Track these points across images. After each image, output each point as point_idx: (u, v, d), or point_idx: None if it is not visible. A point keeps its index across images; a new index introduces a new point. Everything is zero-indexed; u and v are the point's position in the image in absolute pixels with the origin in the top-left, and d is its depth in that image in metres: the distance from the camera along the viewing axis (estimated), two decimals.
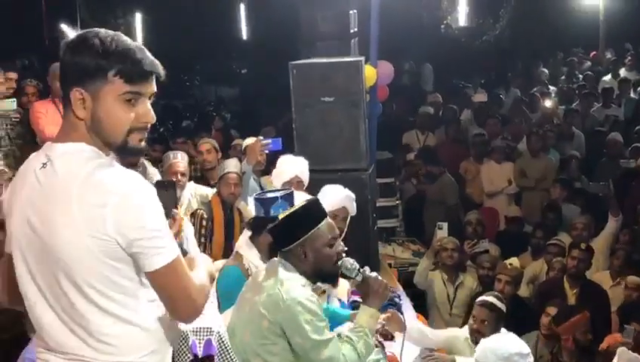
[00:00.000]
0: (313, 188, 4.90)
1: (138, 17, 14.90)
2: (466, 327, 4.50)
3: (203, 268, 2.22)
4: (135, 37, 14.28)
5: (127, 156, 2.11)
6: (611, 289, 6.10)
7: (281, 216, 3.19)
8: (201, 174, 6.61)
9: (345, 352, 3.00)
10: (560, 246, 6.48)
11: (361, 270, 3.21)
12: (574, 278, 5.96)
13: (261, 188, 5.84)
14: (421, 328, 4.51)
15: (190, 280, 2.07)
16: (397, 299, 4.32)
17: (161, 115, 11.91)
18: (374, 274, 3.24)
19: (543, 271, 6.47)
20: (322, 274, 3.15)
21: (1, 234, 2.94)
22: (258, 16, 14.14)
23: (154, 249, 1.98)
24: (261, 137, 5.52)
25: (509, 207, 8.11)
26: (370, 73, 6.00)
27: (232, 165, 5.55)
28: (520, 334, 4.21)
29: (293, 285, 3.01)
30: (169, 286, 2.03)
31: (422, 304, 6.09)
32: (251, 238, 3.94)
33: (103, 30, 2.02)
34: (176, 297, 2.05)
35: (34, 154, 2.14)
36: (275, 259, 3.18)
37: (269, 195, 3.84)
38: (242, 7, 14.70)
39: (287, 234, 3.12)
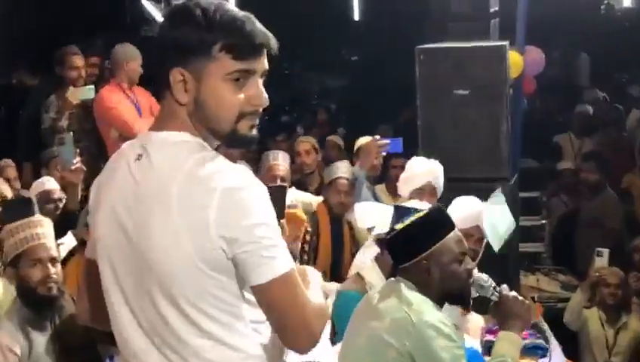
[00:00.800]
0: (441, 199, 4.97)
1: None
2: None
3: (318, 286, 2.22)
4: None
5: (237, 146, 2.13)
6: None
7: (400, 226, 3.24)
8: (298, 179, 6.69)
9: None
10: None
11: (498, 288, 3.27)
12: None
13: (375, 198, 6.00)
14: None
15: (307, 299, 2.04)
16: (543, 342, 4.26)
17: None
18: (514, 293, 3.28)
19: None
20: (450, 295, 3.21)
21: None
22: None
23: (263, 257, 1.96)
24: (377, 136, 5.60)
25: None
26: (515, 61, 6.04)
27: (343, 169, 5.64)
28: None
29: (423, 306, 3.07)
30: (280, 305, 2.01)
31: (573, 348, 6.00)
32: (377, 258, 4.00)
33: None
34: (288, 320, 2.02)
35: (127, 143, 2.18)
36: (393, 278, 3.25)
37: (409, 205, 3.85)
38: None
39: (407, 247, 3.19)
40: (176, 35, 2.00)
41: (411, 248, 3.18)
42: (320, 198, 5.68)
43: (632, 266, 6.70)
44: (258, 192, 1.98)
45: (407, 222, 3.24)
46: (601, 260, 6.34)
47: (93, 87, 6.52)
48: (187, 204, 1.95)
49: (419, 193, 5.00)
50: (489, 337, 4.30)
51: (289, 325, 2.02)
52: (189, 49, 1.99)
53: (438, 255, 3.16)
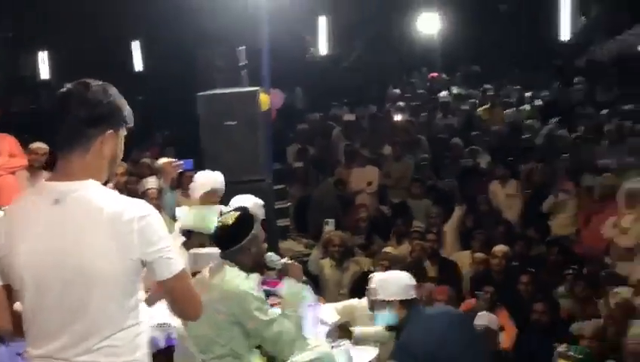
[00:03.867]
0: (226, 195, 5.00)
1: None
2: (364, 299, 4.53)
3: None
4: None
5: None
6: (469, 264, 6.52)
7: (220, 225, 3.34)
8: None
9: (287, 325, 3.24)
10: (420, 231, 6.93)
11: (282, 261, 3.50)
12: (432, 256, 6.46)
13: (176, 201, 5.79)
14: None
15: (192, 286, 2.12)
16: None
17: None
18: (290, 261, 3.53)
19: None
20: (258, 266, 3.36)
21: None
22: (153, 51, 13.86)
23: (167, 260, 2.01)
24: (175, 160, 5.39)
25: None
26: (264, 100, 6.31)
27: (152, 182, 5.61)
28: None
29: (242, 280, 3.19)
30: (184, 289, 2.06)
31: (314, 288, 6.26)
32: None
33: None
34: (189, 300, 2.08)
35: (33, 191, 2.06)
36: (220, 261, 3.32)
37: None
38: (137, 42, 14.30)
39: (233, 236, 3.28)
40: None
41: (237, 237, 3.27)
42: None
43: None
44: (156, 214, 2.01)
45: (228, 220, 3.33)
46: (329, 226, 6.84)
47: None
48: (116, 232, 1.93)
49: (206, 195, 4.96)
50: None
51: (189, 303, 2.10)
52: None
53: (255, 239, 3.31)
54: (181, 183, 6.42)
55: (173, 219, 4.87)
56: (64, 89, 2.02)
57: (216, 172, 5.18)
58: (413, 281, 3.85)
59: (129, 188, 6.38)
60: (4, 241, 2.01)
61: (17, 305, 2.04)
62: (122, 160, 2.11)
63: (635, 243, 6.13)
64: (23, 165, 5.71)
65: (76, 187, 1.97)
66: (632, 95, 10.50)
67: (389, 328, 3.78)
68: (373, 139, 9.90)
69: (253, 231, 3.30)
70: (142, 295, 2.07)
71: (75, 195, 1.96)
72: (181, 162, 5.26)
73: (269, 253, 3.47)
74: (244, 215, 3.37)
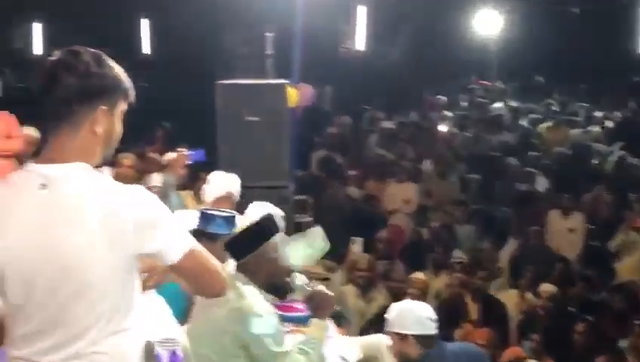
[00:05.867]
0: (240, 204, 4.90)
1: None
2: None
3: None
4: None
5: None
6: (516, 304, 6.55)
7: (238, 230, 3.33)
8: None
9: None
10: (462, 263, 6.93)
11: (309, 284, 3.45)
12: (477, 294, 6.48)
13: (182, 203, 5.90)
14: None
15: (209, 257, 2.12)
16: None
17: None
18: (322, 287, 3.46)
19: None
20: (274, 286, 3.31)
21: None
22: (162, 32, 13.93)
23: (174, 240, 2.03)
24: (183, 149, 5.59)
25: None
26: (292, 95, 6.27)
27: (155, 179, 5.64)
28: None
29: (254, 299, 3.16)
30: (199, 265, 2.09)
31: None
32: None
33: None
34: (207, 276, 2.11)
35: (16, 174, 2.04)
36: (232, 273, 3.29)
37: (214, 212, 3.89)
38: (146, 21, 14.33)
39: (245, 245, 3.26)
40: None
41: (249, 246, 3.24)
42: None
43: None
44: (149, 193, 2.05)
45: (245, 226, 3.32)
46: (356, 247, 6.84)
47: None
48: (106, 221, 1.94)
49: (219, 200, 4.98)
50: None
51: (209, 277, 2.13)
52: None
53: (268, 252, 3.25)
54: (193, 183, 6.45)
55: None
56: (52, 57, 2.02)
57: (232, 174, 5.23)
58: (434, 315, 3.89)
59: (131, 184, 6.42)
60: None
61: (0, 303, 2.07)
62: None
63: None
64: (20, 149, 5.82)
65: (64, 171, 1.98)
66: None
67: None
68: (414, 151, 9.94)
69: (269, 242, 3.27)
70: (138, 291, 2.09)
71: (62, 181, 1.96)
72: (191, 152, 5.50)
73: (296, 274, 3.46)
74: (265, 219, 3.36)
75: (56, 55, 2.01)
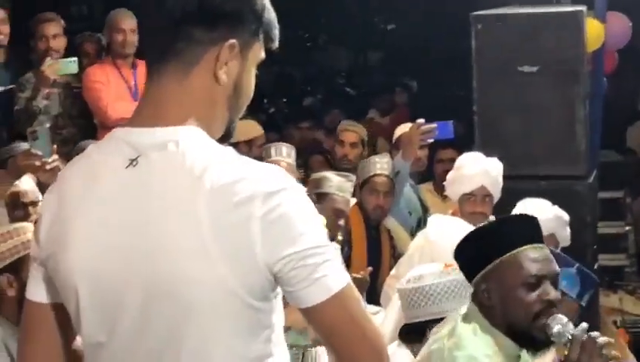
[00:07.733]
0: (502, 202, 5.10)
1: None
2: None
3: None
4: None
5: (224, 141, 2.08)
6: None
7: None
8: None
9: None
10: None
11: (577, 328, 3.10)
12: None
13: (420, 199, 6.09)
14: None
15: (366, 313, 2.05)
16: None
17: (272, 90, 12.06)
18: (597, 334, 3.05)
19: None
20: (517, 330, 3.05)
21: None
22: None
23: (317, 272, 1.94)
24: (421, 120, 5.57)
25: None
26: (595, 31, 6.04)
27: (382, 164, 5.61)
28: None
29: (469, 339, 3.01)
30: (339, 324, 2.00)
31: None
32: None
33: None
34: (352, 340, 2.00)
35: (101, 144, 2.08)
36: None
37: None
38: None
39: (469, 262, 3.15)
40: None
41: (473, 264, 3.11)
42: (353, 201, 5.53)
43: None
44: (302, 194, 1.99)
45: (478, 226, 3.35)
46: None
47: (75, 59, 6.31)
48: (222, 222, 1.90)
49: (468, 198, 5.06)
50: None
51: (352, 346, 2.02)
52: (241, 19, 2.01)
53: (501, 274, 3.02)
54: (433, 168, 6.58)
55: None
56: None
57: (491, 158, 5.22)
58: None
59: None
60: (49, 234, 2.05)
61: (78, 342, 2.13)
62: None
63: None
64: None
65: (166, 137, 1.96)
66: None
67: None
68: None
69: (500, 259, 3.03)
70: (278, 332, 2.08)
71: (162, 153, 1.95)
72: (433, 125, 5.49)
73: (559, 316, 3.05)
74: (505, 224, 3.28)
75: None
